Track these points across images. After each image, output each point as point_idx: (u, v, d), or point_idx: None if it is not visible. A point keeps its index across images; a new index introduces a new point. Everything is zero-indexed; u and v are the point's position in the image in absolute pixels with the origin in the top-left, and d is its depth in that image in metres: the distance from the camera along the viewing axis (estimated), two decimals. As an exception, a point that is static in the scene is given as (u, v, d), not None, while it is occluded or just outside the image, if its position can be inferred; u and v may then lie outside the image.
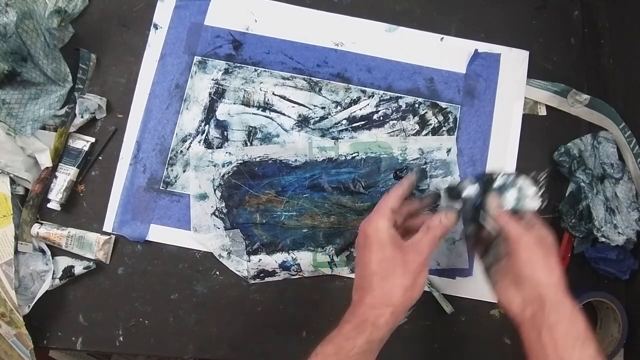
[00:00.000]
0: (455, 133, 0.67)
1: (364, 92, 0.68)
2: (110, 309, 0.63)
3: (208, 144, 0.66)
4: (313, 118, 0.67)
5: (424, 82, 0.69)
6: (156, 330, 0.63)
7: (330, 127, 0.67)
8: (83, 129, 0.66)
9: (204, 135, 0.66)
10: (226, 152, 0.66)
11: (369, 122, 0.67)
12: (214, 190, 0.65)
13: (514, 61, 0.69)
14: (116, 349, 0.63)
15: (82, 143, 0.65)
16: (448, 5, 0.72)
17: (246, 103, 0.67)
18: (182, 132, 0.66)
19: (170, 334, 0.63)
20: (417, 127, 0.68)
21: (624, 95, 0.68)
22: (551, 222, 0.66)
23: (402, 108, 0.68)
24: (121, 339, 0.63)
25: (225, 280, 0.64)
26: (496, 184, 0.51)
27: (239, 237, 0.64)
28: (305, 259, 0.64)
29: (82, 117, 0.65)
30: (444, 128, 0.68)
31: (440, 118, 0.68)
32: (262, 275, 0.64)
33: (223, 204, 0.65)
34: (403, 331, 0.64)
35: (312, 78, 0.68)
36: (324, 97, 0.68)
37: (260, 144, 0.66)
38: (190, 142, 0.66)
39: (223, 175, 0.65)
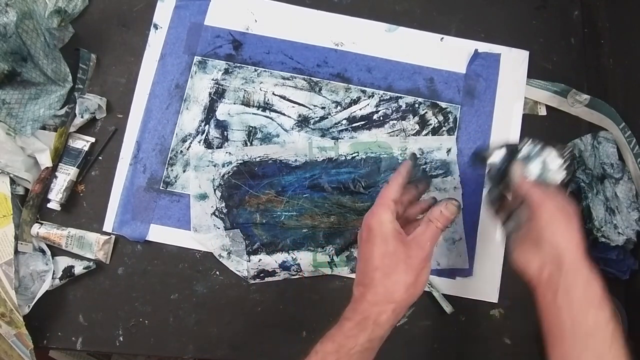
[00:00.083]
0: (455, 133, 0.67)
1: (364, 92, 0.68)
2: (110, 309, 0.63)
3: (208, 144, 0.66)
4: (313, 118, 0.67)
5: (424, 82, 0.69)
6: (156, 330, 0.63)
7: (330, 127, 0.67)
8: (83, 129, 0.66)
9: (204, 135, 0.66)
10: (226, 152, 0.66)
11: (369, 122, 0.67)
12: (214, 190, 0.65)
13: (514, 61, 0.69)
14: (116, 349, 0.63)
15: (82, 143, 0.65)
16: (448, 5, 0.72)
17: (246, 103, 0.67)
18: (182, 132, 0.67)
19: (170, 334, 0.63)
20: (417, 127, 0.68)
21: (624, 95, 0.68)
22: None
23: (402, 108, 0.68)
24: (121, 339, 0.63)
25: (225, 280, 0.64)
26: (521, 154, 0.52)
27: (239, 237, 0.64)
28: (305, 259, 0.64)
29: (82, 117, 0.65)
30: (444, 128, 0.68)
31: (440, 118, 0.68)
32: (262, 275, 0.64)
33: (223, 204, 0.65)
34: (403, 331, 0.64)
35: (312, 78, 0.68)
36: (324, 97, 0.68)
37: (260, 144, 0.66)
38: (190, 142, 0.66)
39: (223, 175, 0.65)
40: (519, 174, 0.51)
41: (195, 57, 0.68)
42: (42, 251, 0.63)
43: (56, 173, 0.64)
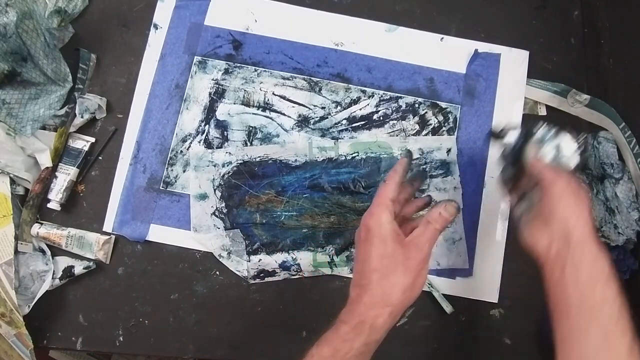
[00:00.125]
0: (455, 133, 0.67)
1: (364, 92, 0.68)
2: (110, 309, 0.63)
3: (208, 144, 0.66)
4: (313, 118, 0.67)
5: (424, 82, 0.69)
6: (156, 330, 0.63)
7: (330, 127, 0.67)
8: (83, 129, 0.66)
9: (204, 135, 0.66)
10: (226, 152, 0.66)
11: (369, 122, 0.67)
12: (214, 190, 0.65)
13: (514, 61, 0.69)
14: (116, 349, 0.63)
15: (82, 143, 0.65)
16: (448, 5, 0.72)
17: (246, 103, 0.67)
18: (182, 132, 0.67)
19: (170, 334, 0.63)
20: (417, 127, 0.68)
21: (624, 95, 0.68)
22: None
23: (402, 108, 0.68)
24: (121, 339, 0.63)
25: (225, 280, 0.64)
26: (536, 136, 0.52)
27: (239, 237, 0.64)
28: (305, 259, 0.64)
29: (82, 117, 0.65)
30: (444, 128, 0.68)
31: (440, 118, 0.68)
32: (262, 275, 0.64)
33: (223, 204, 0.65)
34: (403, 331, 0.64)
35: (312, 78, 0.68)
36: (324, 97, 0.68)
37: (260, 144, 0.66)
38: (190, 142, 0.66)
39: (223, 175, 0.65)
40: (533, 155, 0.51)
41: (195, 57, 0.68)
42: (42, 251, 0.63)
43: (56, 173, 0.64)
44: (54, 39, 0.65)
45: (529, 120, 0.53)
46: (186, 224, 0.64)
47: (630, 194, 0.64)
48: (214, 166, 0.65)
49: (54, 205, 0.63)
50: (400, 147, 0.66)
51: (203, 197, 0.65)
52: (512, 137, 0.54)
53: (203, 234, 0.64)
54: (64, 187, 0.63)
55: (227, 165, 0.65)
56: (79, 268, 0.62)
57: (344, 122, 0.67)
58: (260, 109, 0.67)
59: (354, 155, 0.66)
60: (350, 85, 0.68)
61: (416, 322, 0.64)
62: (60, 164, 0.64)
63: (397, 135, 0.67)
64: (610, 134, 0.67)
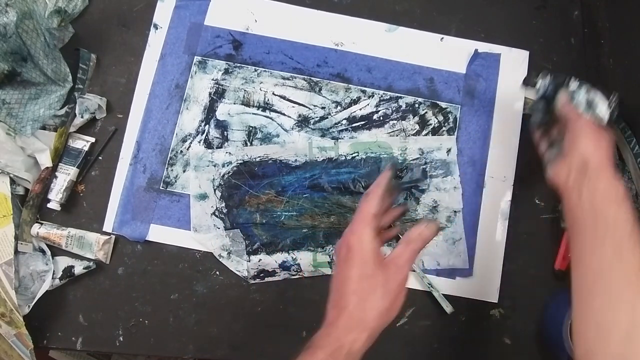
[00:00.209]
0: (455, 133, 0.67)
1: (364, 92, 0.68)
2: (110, 309, 0.63)
3: (208, 144, 0.66)
4: (313, 118, 0.67)
5: (424, 82, 0.69)
6: (156, 330, 0.63)
7: (330, 127, 0.67)
8: (83, 129, 0.66)
9: (204, 135, 0.66)
10: (226, 152, 0.66)
11: (369, 122, 0.67)
12: (214, 190, 0.65)
13: (514, 61, 0.69)
14: (116, 349, 0.63)
15: (82, 143, 0.65)
16: (448, 5, 0.72)
17: (246, 103, 0.67)
18: (182, 132, 0.67)
19: (170, 334, 0.63)
20: (417, 127, 0.68)
21: (624, 95, 0.67)
22: (551, 222, 0.66)
23: (402, 108, 0.68)
24: (121, 339, 0.63)
25: (225, 280, 0.64)
26: (569, 88, 0.56)
27: (239, 237, 0.64)
28: (305, 259, 0.64)
29: (82, 117, 0.65)
30: (444, 128, 0.68)
31: (440, 118, 0.68)
32: (262, 275, 0.64)
33: (223, 204, 0.65)
34: (403, 331, 0.64)
35: (312, 78, 0.68)
36: (324, 97, 0.68)
37: (260, 144, 0.66)
38: (190, 142, 0.66)
39: (223, 175, 0.65)
40: (564, 100, 0.54)
41: (195, 57, 0.68)
42: (42, 251, 0.63)
43: (56, 173, 0.64)
44: (54, 39, 0.65)
45: (561, 74, 0.57)
46: (186, 224, 0.64)
47: (630, 194, 0.64)
48: (214, 166, 0.65)
49: (54, 205, 0.63)
50: (400, 147, 0.66)
51: (203, 197, 0.65)
52: (544, 83, 0.57)
53: (203, 234, 0.64)
54: (64, 187, 0.63)
55: (227, 165, 0.65)
56: (79, 268, 0.62)
57: (344, 122, 0.67)
58: (260, 109, 0.67)
59: (354, 155, 0.66)
60: (350, 85, 0.68)
61: (416, 322, 0.64)
62: (60, 164, 0.64)
63: (397, 135, 0.67)
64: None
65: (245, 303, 0.64)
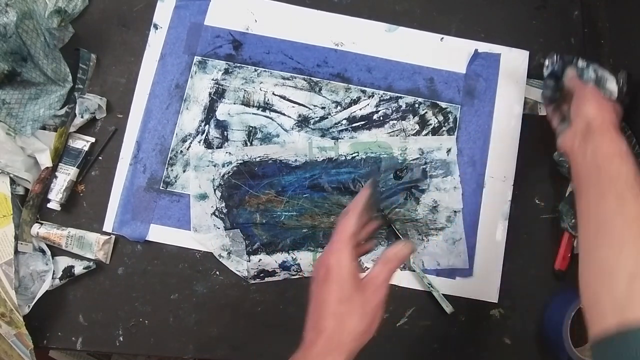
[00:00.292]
0: (455, 133, 0.67)
1: (364, 92, 0.68)
2: (110, 309, 0.63)
3: (208, 144, 0.66)
4: (313, 118, 0.67)
5: (424, 82, 0.69)
6: (156, 330, 0.63)
7: (330, 127, 0.67)
8: (83, 129, 0.66)
9: (204, 135, 0.66)
10: (226, 152, 0.66)
11: (369, 122, 0.67)
12: (214, 190, 0.65)
13: (514, 61, 0.69)
14: (116, 349, 0.63)
15: (82, 143, 0.65)
16: (448, 5, 0.72)
17: (246, 103, 0.67)
18: (182, 132, 0.67)
19: (170, 334, 0.63)
20: (417, 127, 0.68)
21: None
22: (551, 222, 0.66)
23: (402, 108, 0.68)
24: (121, 339, 0.63)
25: (225, 280, 0.64)
26: (578, 64, 0.60)
27: (239, 237, 0.64)
28: (305, 259, 0.64)
29: (82, 117, 0.65)
30: (444, 128, 0.68)
31: (440, 118, 0.68)
32: (262, 275, 0.64)
33: (223, 204, 0.65)
34: (403, 331, 0.64)
35: (312, 78, 0.68)
36: (324, 97, 0.68)
37: (260, 144, 0.66)
38: (190, 142, 0.66)
39: (223, 175, 0.65)
40: (571, 75, 0.58)
41: (195, 57, 0.68)
42: (42, 251, 0.63)
43: (56, 173, 0.64)
44: (54, 39, 0.65)
45: (569, 55, 0.61)
46: (186, 224, 0.64)
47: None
48: (214, 166, 0.65)
49: (54, 205, 0.63)
50: (400, 147, 0.66)
51: (203, 197, 0.65)
52: (553, 60, 0.61)
53: (203, 234, 0.64)
54: (64, 187, 0.63)
55: (227, 165, 0.65)
56: (79, 268, 0.62)
57: (344, 122, 0.67)
58: (260, 109, 0.67)
59: (354, 155, 0.66)
60: (350, 85, 0.68)
61: (416, 322, 0.64)
62: (60, 164, 0.64)
63: (397, 135, 0.67)
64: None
65: (245, 303, 0.64)
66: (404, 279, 0.64)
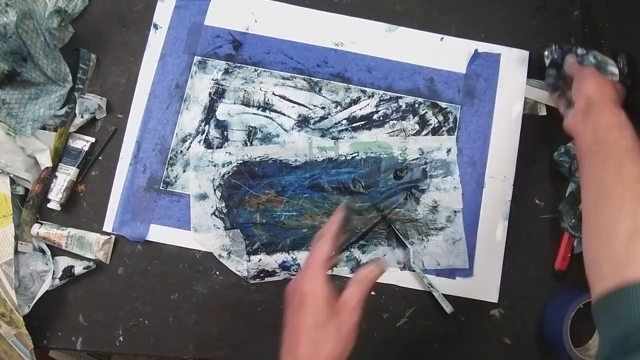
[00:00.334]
0: (455, 133, 0.67)
1: (364, 92, 0.68)
2: (110, 309, 0.63)
3: (208, 144, 0.66)
4: (313, 118, 0.67)
5: (424, 82, 0.69)
6: (156, 330, 0.63)
7: (330, 127, 0.67)
8: (83, 129, 0.66)
9: (204, 135, 0.66)
10: (226, 152, 0.66)
11: (369, 122, 0.67)
12: (214, 190, 0.65)
13: (514, 61, 0.69)
14: (116, 349, 0.63)
15: (82, 143, 0.65)
16: (448, 5, 0.72)
17: (246, 103, 0.67)
18: (182, 132, 0.67)
19: (170, 334, 0.63)
20: (417, 127, 0.68)
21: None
22: (551, 222, 0.66)
23: (402, 108, 0.68)
24: (121, 339, 0.63)
25: (225, 280, 0.64)
26: (577, 51, 0.63)
27: (239, 237, 0.64)
28: (305, 259, 0.64)
29: (82, 117, 0.65)
30: (444, 128, 0.68)
31: (440, 118, 0.68)
32: (262, 275, 0.64)
33: (223, 204, 0.65)
34: (403, 331, 0.64)
35: (312, 78, 0.68)
36: (324, 97, 0.68)
37: (260, 144, 0.66)
38: (190, 142, 0.66)
39: (223, 175, 0.65)
40: (571, 61, 0.61)
41: (195, 57, 0.68)
42: (42, 251, 0.63)
43: (56, 173, 0.64)
44: (54, 39, 0.65)
45: (568, 45, 0.65)
46: (186, 224, 0.64)
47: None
48: (214, 166, 0.65)
49: (54, 205, 0.63)
50: (400, 147, 0.66)
51: (203, 197, 0.65)
52: (552, 50, 0.64)
53: (203, 234, 0.64)
54: (64, 187, 0.63)
55: (227, 165, 0.65)
56: (79, 268, 0.62)
57: (344, 122, 0.67)
58: (260, 109, 0.67)
59: (354, 155, 0.66)
60: (350, 85, 0.68)
61: (416, 322, 0.64)
62: (60, 164, 0.64)
63: (397, 135, 0.67)
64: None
65: (245, 303, 0.64)
66: (404, 279, 0.64)
